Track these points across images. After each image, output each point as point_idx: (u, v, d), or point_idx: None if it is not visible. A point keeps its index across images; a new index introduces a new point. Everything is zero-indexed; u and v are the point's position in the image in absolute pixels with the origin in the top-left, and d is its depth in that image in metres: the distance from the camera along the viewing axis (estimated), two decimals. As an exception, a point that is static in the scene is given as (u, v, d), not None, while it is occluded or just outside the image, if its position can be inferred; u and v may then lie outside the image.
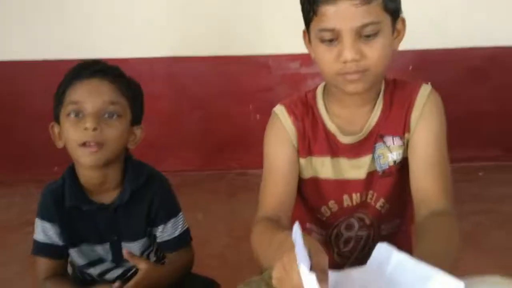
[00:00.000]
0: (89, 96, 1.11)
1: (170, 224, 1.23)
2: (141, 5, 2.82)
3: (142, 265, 1.15)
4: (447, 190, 1.05)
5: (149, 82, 2.62)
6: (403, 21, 1.07)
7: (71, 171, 1.18)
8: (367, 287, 0.83)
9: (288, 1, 2.70)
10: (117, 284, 1.11)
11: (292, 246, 0.76)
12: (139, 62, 2.77)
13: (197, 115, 2.92)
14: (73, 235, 1.19)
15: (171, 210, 1.24)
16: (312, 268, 0.73)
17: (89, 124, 1.08)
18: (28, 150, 2.93)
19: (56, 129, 1.17)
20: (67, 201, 1.16)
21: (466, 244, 1.90)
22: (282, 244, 0.85)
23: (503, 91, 2.85)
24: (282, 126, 1.13)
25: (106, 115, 1.11)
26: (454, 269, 0.84)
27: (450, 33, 2.78)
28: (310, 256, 0.75)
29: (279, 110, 1.15)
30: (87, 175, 1.16)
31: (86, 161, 1.11)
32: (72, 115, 1.11)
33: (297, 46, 2.82)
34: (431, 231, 0.98)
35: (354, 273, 0.86)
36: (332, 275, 0.80)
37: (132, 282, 1.12)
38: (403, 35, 1.08)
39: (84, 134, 1.09)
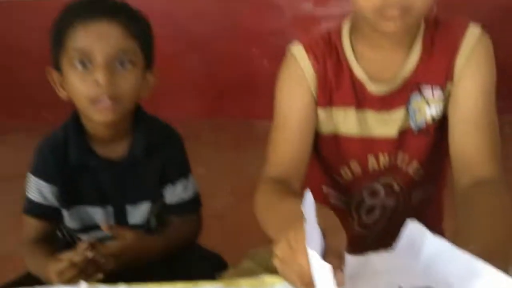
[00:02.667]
0: (98, 43, 0.96)
1: (180, 185, 1.13)
2: None
3: (128, 235, 1.04)
4: (496, 154, 0.90)
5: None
6: None
7: (75, 122, 1.06)
8: (394, 278, 0.70)
9: None
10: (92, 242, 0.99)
11: (301, 219, 0.64)
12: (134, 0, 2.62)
13: (196, 58, 2.80)
14: (72, 196, 1.09)
15: (183, 171, 1.14)
16: (325, 252, 0.62)
17: (101, 78, 0.96)
18: (16, 96, 2.85)
19: (55, 76, 1.03)
20: (72, 158, 1.05)
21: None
22: (290, 214, 0.75)
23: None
24: (299, 68, 0.98)
25: (119, 65, 0.98)
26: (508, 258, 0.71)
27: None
28: (324, 235, 0.64)
29: (296, 49, 0.99)
30: (97, 128, 1.04)
31: (100, 118, 1.00)
32: (79, 66, 0.97)
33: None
34: (477, 206, 0.84)
35: (378, 260, 0.74)
36: (351, 260, 0.69)
37: (113, 247, 1.01)
38: None
39: (95, 89, 0.97)
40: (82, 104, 1.00)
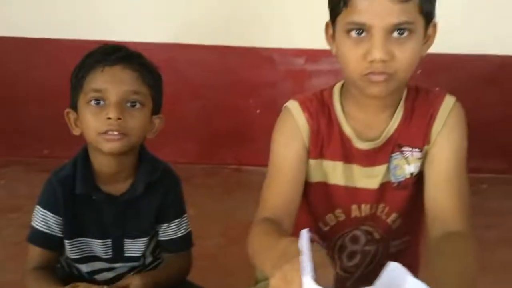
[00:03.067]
0: (112, 85, 1.08)
1: (174, 224, 1.21)
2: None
3: (133, 282, 1.11)
4: (465, 209, 1.00)
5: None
6: (435, 26, 0.99)
7: (84, 156, 1.14)
8: None
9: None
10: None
11: (297, 254, 0.71)
12: (139, 46, 2.68)
13: (195, 105, 2.85)
14: (75, 227, 1.15)
15: (178, 211, 1.22)
16: (315, 283, 0.68)
17: (112, 114, 1.06)
18: (19, 131, 2.86)
19: (72, 116, 1.13)
20: (78, 188, 1.12)
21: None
22: (286, 251, 0.78)
23: (511, 101, 2.78)
24: (295, 122, 1.06)
25: (129, 104, 1.09)
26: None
27: (461, 40, 2.71)
28: (315, 269, 0.69)
29: (293, 105, 1.08)
30: (104, 162, 1.12)
31: (107, 148, 1.08)
32: (94, 103, 1.08)
33: (303, 41, 2.77)
34: (446, 254, 0.92)
35: None
36: None
37: None
38: (432, 42, 1.00)
39: (106, 124, 1.07)
40: (92, 136, 1.09)
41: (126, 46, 1.16)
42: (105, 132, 1.07)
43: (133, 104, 1.09)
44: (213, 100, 2.83)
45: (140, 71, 1.10)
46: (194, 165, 2.81)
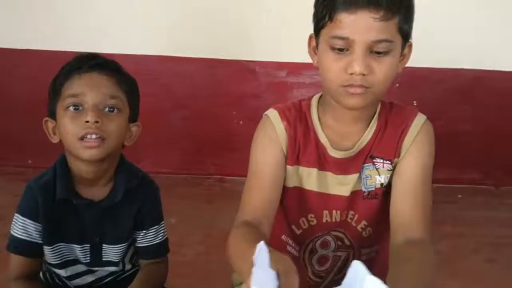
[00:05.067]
0: (89, 89, 1.09)
1: (152, 231, 1.22)
2: (134, 2, 2.77)
3: None
4: (426, 219, 1.04)
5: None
6: (411, 46, 1.05)
7: (63, 163, 1.15)
8: None
9: (278, 10, 2.75)
10: None
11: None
12: (125, 58, 2.70)
13: (178, 116, 2.88)
14: (55, 233, 1.16)
15: (156, 217, 1.23)
16: None
17: (90, 117, 1.06)
18: (2, 141, 2.86)
19: (50, 124, 1.14)
20: (58, 193, 1.13)
21: (441, 267, 1.91)
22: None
23: (486, 114, 2.86)
24: (274, 130, 1.10)
25: (107, 109, 1.10)
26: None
27: (437, 54, 2.79)
28: (279, 276, 0.71)
29: (272, 114, 1.12)
30: (82, 169, 1.13)
31: (86, 155, 1.08)
32: (71, 108, 1.09)
33: (285, 54, 2.82)
34: (404, 260, 0.97)
35: None
36: None
37: None
38: (407, 60, 1.06)
39: (84, 127, 1.07)
40: (71, 142, 1.08)
41: (101, 54, 1.17)
42: (84, 137, 1.07)
43: (111, 109, 1.10)
44: (197, 111, 2.87)
45: (116, 76, 1.12)
46: (177, 175, 2.84)
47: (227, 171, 2.83)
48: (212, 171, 2.90)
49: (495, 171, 2.89)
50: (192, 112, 2.87)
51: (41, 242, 1.16)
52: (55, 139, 1.14)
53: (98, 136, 1.07)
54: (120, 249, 1.20)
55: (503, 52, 2.79)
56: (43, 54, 2.75)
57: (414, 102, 2.81)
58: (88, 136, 1.07)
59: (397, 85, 2.77)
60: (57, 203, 1.14)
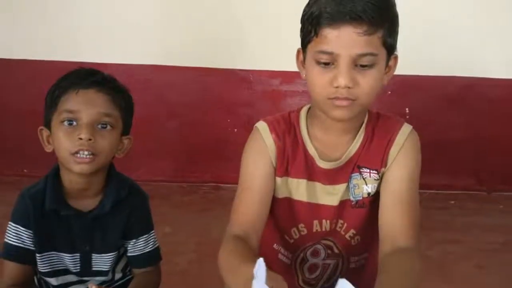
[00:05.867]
0: (85, 107, 1.12)
1: (141, 240, 1.24)
2: (128, 12, 2.80)
3: None
4: (414, 228, 1.06)
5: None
6: (396, 58, 1.08)
7: (55, 173, 1.18)
8: None
9: (271, 20, 2.77)
10: None
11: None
12: (119, 68, 2.74)
13: (172, 125, 2.90)
14: (45, 241, 1.18)
15: (146, 227, 1.25)
16: None
17: (84, 134, 1.10)
18: None
19: (45, 133, 1.17)
20: (47, 204, 1.16)
21: (433, 273, 1.94)
22: (247, 279, 0.85)
23: (478, 121, 2.89)
24: (263, 142, 1.13)
25: (100, 126, 1.13)
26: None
27: (429, 61, 2.82)
28: None
29: (261, 126, 1.15)
30: (73, 180, 1.16)
31: (77, 169, 1.12)
32: (66, 124, 1.12)
33: (279, 63, 2.85)
34: (393, 269, 0.99)
35: None
36: None
37: None
38: (393, 72, 1.09)
39: (78, 144, 1.11)
40: (64, 156, 1.12)
41: (101, 71, 1.20)
42: (76, 152, 1.11)
43: (104, 125, 1.13)
44: (191, 120, 2.89)
45: (112, 94, 1.15)
46: (171, 184, 2.86)
47: (222, 179, 2.84)
48: (207, 179, 2.92)
49: (487, 177, 2.92)
50: (187, 120, 2.89)
51: (34, 249, 1.18)
52: (48, 148, 1.17)
53: (90, 152, 1.11)
54: (110, 258, 1.22)
55: (493, 60, 2.83)
56: (38, 64, 2.77)
57: (406, 109, 2.84)
58: (81, 153, 1.11)
59: (389, 92, 2.80)
60: (47, 212, 1.16)
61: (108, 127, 1.14)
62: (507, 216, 2.65)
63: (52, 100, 1.15)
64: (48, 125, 1.17)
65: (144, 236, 1.24)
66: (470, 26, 2.78)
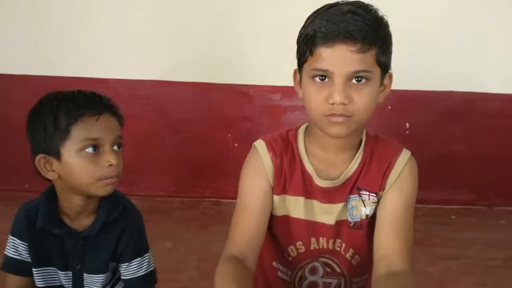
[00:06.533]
0: (106, 133, 1.13)
1: (135, 263, 1.22)
2: (128, 28, 2.82)
3: None
4: (407, 252, 1.09)
5: (128, 104, 2.61)
6: (391, 76, 1.11)
7: (50, 193, 1.18)
8: None
9: (271, 34, 2.79)
10: None
11: None
12: (120, 83, 2.76)
13: (173, 140, 2.90)
14: (41, 256, 1.19)
15: (139, 250, 1.23)
16: None
17: (113, 160, 1.12)
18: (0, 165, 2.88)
19: (43, 161, 1.13)
20: (38, 223, 1.16)
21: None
22: None
23: (478, 135, 2.90)
24: (261, 161, 1.15)
25: (116, 147, 1.15)
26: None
27: (429, 76, 2.84)
28: None
29: (259, 145, 1.17)
30: (73, 202, 1.16)
31: (104, 191, 1.14)
32: (91, 150, 1.11)
33: (279, 78, 2.87)
34: None
35: None
36: None
37: None
38: (389, 90, 1.11)
39: (108, 170, 1.12)
40: (88, 182, 1.11)
41: (96, 92, 1.19)
42: (103, 178, 1.12)
43: (119, 146, 1.16)
44: (192, 135, 2.89)
45: (118, 116, 1.18)
46: (173, 199, 2.85)
47: (223, 194, 2.83)
48: (208, 194, 2.91)
49: (488, 192, 2.92)
50: (188, 135, 2.89)
51: (31, 261, 1.19)
52: (52, 175, 1.14)
53: (116, 175, 1.14)
54: (100, 279, 1.21)
55: (493, 75, 2.84)
56: (39, 80, 2.78)
57: (406, 124, 2.85)
58: (109, 178, 1.13)
59: (389, 107, 2.81)
60: (40, 229, 1.17)
61: (120, 148, 1.17)
62: (509, 231, 2.64)
63: (60, 128, 1.11)
64: (53, 152, 1.12)
65: (137, 260, 1.22)
66: (468, 41, 2.80)
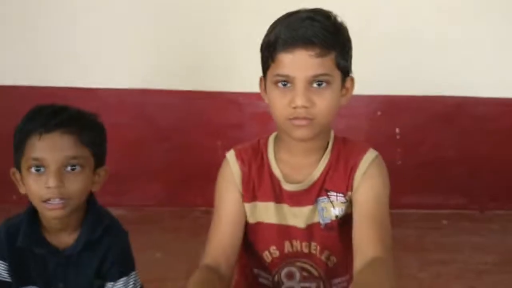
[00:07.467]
0: (51, 153, 1.07)
1: (120, 283, 1.19)
2: (115, 37, 2.81)
3: None
4: (383, 239, 1.08)
5: (116, 112, 2.61)
6: (352, 80, 1.15)
7: (32, 211, 1.15)
8: None
9: (259, 42, 2.78)
10: None
11: None
12: (108, 92, 2.75)
13: (162, 148, 2.88)
14: (21, 275, 1.16)
15: (124, 269, 1.19)
16: None
17: (52, 182, 1.07)
18: None
19: (17, 175, 1.13)
20: (19, 241, 1.14)
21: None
22: None
23: (469, 139, 2.90)
24: (230, 171, 1.19)
25: (69, 168, 1.09)
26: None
27: (419, 81, 2.85)
28: None
29: (230, 155, 1.21)
30: (50, 221, 1.14)
31: (51, 215, 1.10)
32: (34, 170, 1.08)
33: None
34: (362, 284, 1.00)
35: None
36: None
37: None
38: (351, 94, 1.15)
39: (47, 192, 1.08)
40: (36, 203, 1.10)
41: (68, 106, 1.15)
42: (47, 200, 1.08)
43: (73, 167, 1.09)
44: (181, 143, 2.88)
45: (78, 133, 1.10)
46: (162, 208, 2.83)
47: (213, 203, 2.80)
48: (198, 203, 2.87)
49: (480, 196, 2.92)
50: (177, 143, 2.88)
51: (11, 281, 1.16)
52: (23, 190, 1.13)
53: (61, 198, 1.08)
54: None
55: (484, 79, 2.85)
56: (27, 90, 2.76)
57: (397, 129, 2.84)
58: (52, 200, 1.08)
59: (379, 113, 2.81)
60: (21, 248, 1.14)
61: (78, 168, 1.10)
62: (501, 235, 2.64)
63: (18, 144, 1.11)
64: (18, 168, 1.12)
65: (123, 279, 1.18)
66: (459, 46, 2.81)
